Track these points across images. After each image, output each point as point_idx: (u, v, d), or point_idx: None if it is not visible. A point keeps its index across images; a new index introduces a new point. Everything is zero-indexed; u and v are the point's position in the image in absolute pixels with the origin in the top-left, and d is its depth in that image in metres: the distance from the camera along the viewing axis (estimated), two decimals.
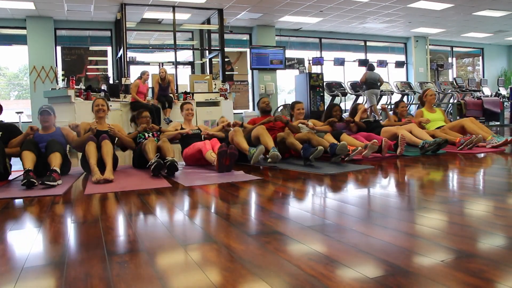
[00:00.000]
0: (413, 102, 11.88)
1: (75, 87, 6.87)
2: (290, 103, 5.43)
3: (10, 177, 3.67)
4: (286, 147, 4.21)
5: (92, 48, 10.28)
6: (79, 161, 4.08)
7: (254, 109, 11.38)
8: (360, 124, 5.10)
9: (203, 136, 4.42)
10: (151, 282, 1.25)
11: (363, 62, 12.02)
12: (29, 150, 3.35)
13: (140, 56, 10.81)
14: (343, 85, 10.92)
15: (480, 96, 11.08)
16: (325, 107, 10.25)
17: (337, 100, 10.81)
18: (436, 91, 11.67)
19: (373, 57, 12.81)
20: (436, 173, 3.38)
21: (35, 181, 3.03)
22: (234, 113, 9.40)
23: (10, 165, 3.65)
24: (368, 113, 10.14)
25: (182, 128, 4.58)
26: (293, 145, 4.07)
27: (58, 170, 3.26)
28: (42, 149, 3.51)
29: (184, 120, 4.81)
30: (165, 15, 9.47)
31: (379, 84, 10.03)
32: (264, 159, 4.13)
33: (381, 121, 5.82)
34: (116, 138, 4.05)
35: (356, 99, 10.86)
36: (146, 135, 4.29)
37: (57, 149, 3.43)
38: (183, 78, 10.05)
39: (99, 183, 3.25)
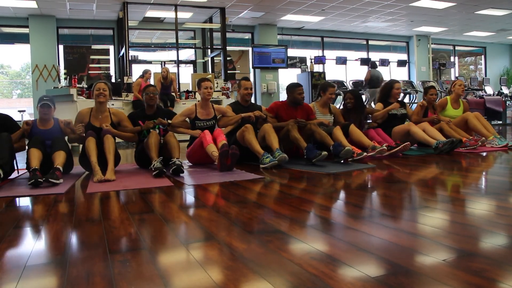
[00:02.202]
0: (415, 101, 11.86)
1: (77, 85, 6.89)
2: (322, 83, 4.95)
3: (13, 175, 3.68)
4: (290, 141, 4.08)
5: (94, 46, 10.30)
6: (78, 159, 3.97)
7: None
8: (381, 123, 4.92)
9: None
10: (153, 280, 1.25)
11: (365, 61, 12.00)
12: (36, 148, 3.34)
13: (142, 55, 10.82)
14: (345, 84, 10.91)
15: (482, 95, 11.05)
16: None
17: (338, 99, 10.79)
18: (438, 90, 11.65)
19: (375, 56, 12.79)
20: (439, 172, 3.38)
21: (42, 180, 3.04)
22: None
23: (16, 163, 3.65)
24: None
25: (196, 114, 4.17)
26: (296, 140, 3.98)
27: (61, 169, 3.25)
28: (47, 148, 3.50)
29: (201, 101, 4.25)
30: (167, 14, 9.47)
31: (381, 82, 10.03)
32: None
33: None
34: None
35: None
36: (152, 130, 3.92)
37: (62, 148, 3.40)
38: (185, 76, 10.07)
39: (100, 182, 3.24)
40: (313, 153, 3.70)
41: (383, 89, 5.19)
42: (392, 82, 5.15)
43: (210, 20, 10.10)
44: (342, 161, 3.85)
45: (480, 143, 4.53)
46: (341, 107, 5.52)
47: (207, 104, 4.23)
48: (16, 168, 3.67)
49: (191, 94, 8.56)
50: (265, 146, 4.01)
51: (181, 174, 3.48)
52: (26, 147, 3.59)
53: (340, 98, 10.77)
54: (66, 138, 3.81)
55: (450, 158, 4.06)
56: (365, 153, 3.97)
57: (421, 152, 4.46)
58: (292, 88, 4.47)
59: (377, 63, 11.07)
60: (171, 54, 10.88)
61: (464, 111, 5.26)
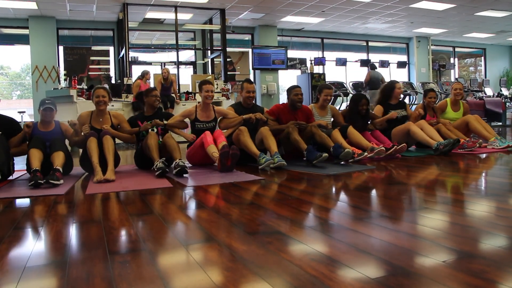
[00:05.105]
0: (415, 103, 11.85)
1: (77, 86, 6.88)
2: (319, 85, 5.04)
3: (13, 176, 3.67)
4: (290, 143, 4.07)
5: (94, 48, 10.30)
6: (79, 161, 3.99)
7: None
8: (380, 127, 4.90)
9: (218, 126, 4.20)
10: (153, 281, 1.25)
11: (365, 63, 12.01)
12: (37, 148, 3.35)
13: (142, 56, 10.82)
14: (345, 85, 10.91)
15: (482, 97, 11.05)
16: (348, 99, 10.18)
17: (338, 100, 10.79)
18: (438, 91, 11.65)
19: (375, 57, 12.80)
20: (438, 174, 3.38)
21: (42, 182, 3.04)
22: None
23: (13, 164, 3.65)
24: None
25: (196, 116, 4.19)
26: (296, 143, 3.97)
27: (61, 170, 3.26)
28: (47, 149, 3.49)
29: (202, 103, 4.22)
30: (167, 15, 9.47)
31: (381, 83, 10.05)
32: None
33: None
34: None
35: None
36: (150, 130, 3.95)
37: (61, 148, 3.42)
38: (185, 78, 10.07)
39: (100, 183, 3.24)
40: (314, 155, 3.70)
41: (384, 90, 5.19)
42: (393, 82, 5.19)
43: (210, 22, 10.11)
44: (342, 162, 3.86)
45: (478, 145, 4.52)
46: (342, 108, 5.52)
47: (207, 107, 4.24)
48: (13, 170, 3.66)
49: (191, 95, 8.56)
50: (263, 149, 4.01)
51: (184, 175, 3.46)
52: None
53: (339, 99, 10.78)
54: (66, 141, 3.85)
55: (449, 159, 4.06)
56: (366, 153, 3.97)
57: (420, 153, 4.46)
58: (289, 90, 4.51)
59: (377, 64, 11.08)
60: (171, 55, 10.88)
61: (465, 113, 5.24)
